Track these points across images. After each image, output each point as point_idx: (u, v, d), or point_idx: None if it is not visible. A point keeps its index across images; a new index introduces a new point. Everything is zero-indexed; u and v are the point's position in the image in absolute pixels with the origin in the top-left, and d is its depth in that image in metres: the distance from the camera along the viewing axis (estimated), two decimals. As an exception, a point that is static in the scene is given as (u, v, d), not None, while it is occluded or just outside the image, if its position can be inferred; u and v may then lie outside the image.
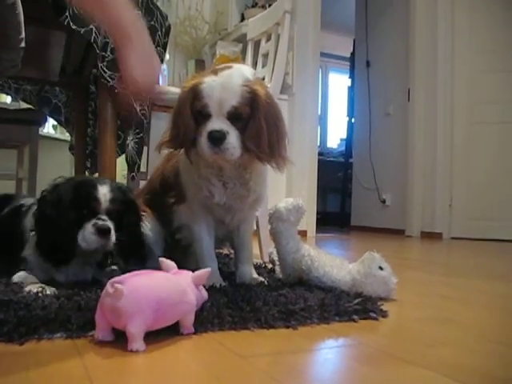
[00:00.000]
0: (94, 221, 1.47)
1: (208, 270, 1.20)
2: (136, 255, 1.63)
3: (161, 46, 2.37)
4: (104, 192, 1.50)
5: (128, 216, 1.57)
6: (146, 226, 1.74)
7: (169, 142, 1.58)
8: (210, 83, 1.46)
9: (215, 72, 1.49)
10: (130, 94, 1.36)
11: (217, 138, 1.42)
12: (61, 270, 1.56)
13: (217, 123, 1.43)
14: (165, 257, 1.26)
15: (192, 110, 1.49)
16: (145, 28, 1.41)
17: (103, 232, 1.46)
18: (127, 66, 1.32)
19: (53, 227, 1.48)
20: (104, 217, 1.48)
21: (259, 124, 1.45)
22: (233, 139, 1.43)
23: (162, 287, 1.05)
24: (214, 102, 1.44)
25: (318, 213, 5.26)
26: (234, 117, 1.44)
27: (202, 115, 1.46)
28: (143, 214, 1.73)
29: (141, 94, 1.44)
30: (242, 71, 1.51)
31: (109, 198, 1.50)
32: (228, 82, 1.45)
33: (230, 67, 1.51)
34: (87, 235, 1.46)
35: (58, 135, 5.62)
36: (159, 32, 2.33)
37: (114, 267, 1.66)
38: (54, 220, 1.48)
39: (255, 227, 2.50)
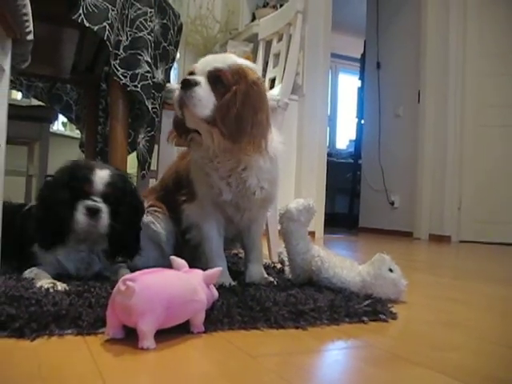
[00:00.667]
0: (86, 202, 1.48)
1: (219, 269, 1.21)
2: (130, 248, 1.64)
3: (173, 45, 2.38)
4: (101, 175, 1.51)
5: (125, 204, 1.57)
6: (158, 224, 1.75)
7: (173, 131, 1.60)
8: (205, 57, 1.51)
9: None
10: None
11: (186, 85, 1.43)
12: (70, 259, 1.57)
13: (194, 76, 1.45)
14: (175, 255, 1.26)
15: None
16: None
17: (92, 212, 1.48)
18: None
19: (48, 207, 1.51)
20: (97, 198, 1.50)
21: (233, 98, 1.45)
22: (202, 92, 1.43)
23: (173, 285, 1.06)
24: (200, 64, 1.48)
25: (326, 214, 5.26)
26: (214, 78, 1.45)
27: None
28: (155, 210, 1.73)
29: None
30: (242, 59, 1.54)
31: (105, 182, 1.51)
32: (222, 56, 1.50)
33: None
34: (78, 215, 1.48)
35: (67, 132, 5.64)
36: (171, 30, 2.33)
37: (122, 264, 1.67)
38: (49, 200, 1.51)
39: (264, 227, 2.50)
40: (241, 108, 1.45)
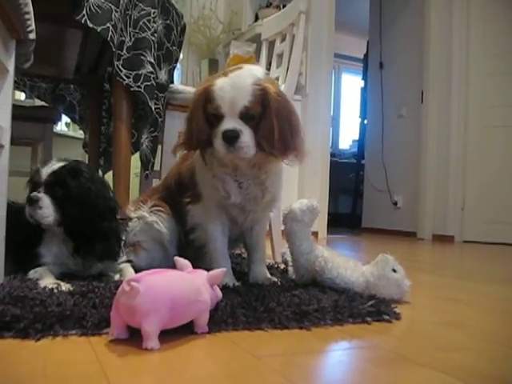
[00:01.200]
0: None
1: (223, 269, 1.21)
2: (95, 247, 1.61)
3: (176, 45, 2.39)
4: (49, 167, 1.54)
5: (71, 198, 1.55)
6: (161, 223, 1.74)
7: (183, 144, 1.60)
8: (221, 85, 1.47)
9: (226, 74, 1.50)
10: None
11: (230, 137, 1.44)
12: (68, 255, 1.59)
13: (230, 123, 1.45)
14: (179, 255, 1.26)
15: (205, 112, 1.51)
16: None
17: (31, 202, 1.51)
18: None
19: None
20: (40, 189, 1.53)
21: (270, 122, 1.46)
22: (246, 138, 1.45)
23: (177, 286, 1.06)
24: (225, 103, 1.45)
25: (329, 214, 5.25)
26: (246, 116, 1.45)
27: (215, 117, 1.48)
28: (159, 210, 1.73)
29: None
30: (252, 71, 1.52)
31: (49, 172, 1.53)
32: (238, 82, 1.46)
33: (240, 68, 1.52)
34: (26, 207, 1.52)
35: (71, 133, 5.64)
36: (174, 31, 2.34)
37: (126, 264, 1.67)
38: None
39: (268, 227, 2.49)
40: (279, 126, 1.47)
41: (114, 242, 1.65)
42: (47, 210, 1.51)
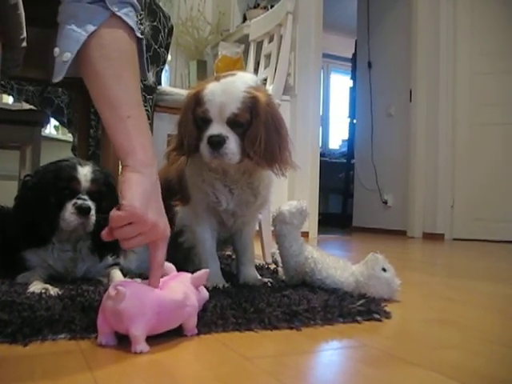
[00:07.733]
0: (74, 200, 1.49)
1: (206, 270, 1.20)
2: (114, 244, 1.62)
3: (163, 47, 2.38)
4: (85, 173, 1.53)
5: (108, 199, 1.56)
6: None
7: (175, 149, 1.59)
8: (212, 89, 1.47)
9: (218, 79, 1.50)
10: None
11: (216, 143, 1.44)
12: (57, 259, 1.58)
13: (216, 128, 1.45)
14: (167, 258, 1.26)
15: (194, 116, 1.51)
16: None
17: (83, 211, 1.49)
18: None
19: (33, 210, 1.51)
20: (84, 196, 1.51)
21: (257, 131, 1.46)
22: (232, 144, 1.45)
23: (163, 291, 1.06)
24: (214, 107, 1.45)
25: (319, 214, 5.26)
26: (233, 123, 1.45)
27: (203, 121, 1.48)
28: None
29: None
30: (245, 78, 1.52)
31: (89, 179, 1.53)
32: (229, 88, 1.47)
33: (233, 74, 1.52)
34: (67, 215, 1.49)
35: (59, 136, 5.62)
36: (162, 33, 2.33)
37: (114, 266, 1.66)
38: (34, 203, 1.51)
39: (257, 228, 2.49)
40: (266, 136, 1.47)
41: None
42: (94, 218, 1.51)
